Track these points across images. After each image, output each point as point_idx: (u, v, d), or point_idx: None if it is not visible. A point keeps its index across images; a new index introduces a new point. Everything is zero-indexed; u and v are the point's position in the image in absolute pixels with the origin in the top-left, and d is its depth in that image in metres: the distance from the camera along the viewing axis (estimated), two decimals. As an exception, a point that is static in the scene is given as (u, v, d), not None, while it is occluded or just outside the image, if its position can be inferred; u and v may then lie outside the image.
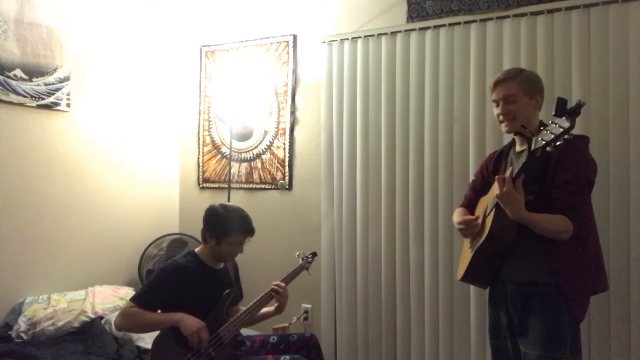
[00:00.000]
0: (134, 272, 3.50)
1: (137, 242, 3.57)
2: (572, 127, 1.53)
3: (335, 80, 3.23)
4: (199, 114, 3.91)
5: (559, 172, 1.81)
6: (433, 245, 2.91)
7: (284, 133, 3.54)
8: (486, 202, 2.01)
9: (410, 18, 3.06)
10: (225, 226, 2.27)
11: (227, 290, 2.32)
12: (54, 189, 3.20)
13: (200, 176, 3.91)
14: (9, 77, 2.96)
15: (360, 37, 3.14)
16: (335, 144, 3.25)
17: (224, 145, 3.78)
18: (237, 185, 3.69)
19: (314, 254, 2.70)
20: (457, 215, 2.15)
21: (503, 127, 1.97)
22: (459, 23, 2.86)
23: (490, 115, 2.73)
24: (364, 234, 3.15)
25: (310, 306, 3.42)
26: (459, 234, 2.09)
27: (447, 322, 2.88)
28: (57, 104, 3.20)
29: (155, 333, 2.20)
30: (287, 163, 3.53)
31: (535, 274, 1.85)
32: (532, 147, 1.63)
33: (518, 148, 2.00)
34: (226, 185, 3.61)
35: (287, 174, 3.53)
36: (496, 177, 1.80)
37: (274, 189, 3.58)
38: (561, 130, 1.53)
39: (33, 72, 3.08)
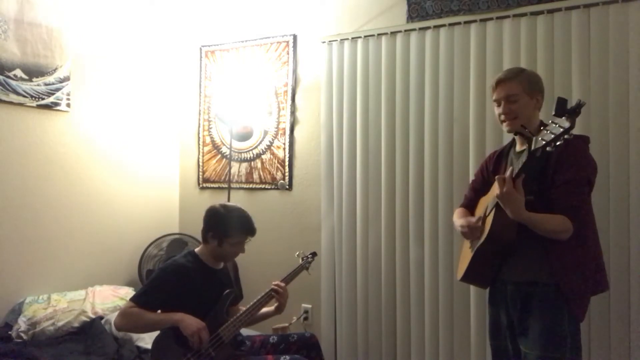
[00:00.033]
0: (134, 272, 3.50)
1: (137, 242, 3.57)
2: (572, 127, 1.53)
3: (335, 80, 3.24)
4: (199, 114, 3.91)
5: (559, 172, 1.81)
6: (433, 245, 2.91)
7: (284, 133, 3.54)
8: (486, 202, 2.01)
9: (410, 18, 3.06)
10: (228, 227, 2.27)
11: (227, 290, 2.32)
12: (54, 189, 3.20)
13: (200, 176, 3.91)
14: (9, 77, 2.96)
15: (360, 37, 3.14)
16: (335, 144, 3.25)
17: (224, 145, 3.78)
18: (237, 185, 3.69)
19: (314, 254, 2.70)
20: (458, 216, 2.15)
21: (504, 127, 1.97)
22: (459, 23, 2.86)
23: (490, 115, 2.73)
24: (364, 234, 3.15)
25: (310, 306, 3.42)
26: (459, 234, 2.09)
27: (447, 322, 2.88)
28: (57, 104, 3.20)
29: (155, 333, 2.20)
30: (287, 163, 3.53)
31: (535, 274, 1.85)
32: (532, 147, 1.63)
33: (518, 148, 2.00)
34: (226, 185, 3.61)
35: (287, 174, 3.53)
36: (496, 177, 1.81)
37: (274, 189, 3.58)
38: (561, 130, 1.53)
39: (33, 72, 3.08)
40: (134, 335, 2.78)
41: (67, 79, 3.24)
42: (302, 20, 3.48)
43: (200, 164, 3.91)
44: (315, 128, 3.43)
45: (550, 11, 2.64)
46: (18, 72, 3.00)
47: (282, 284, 2.40)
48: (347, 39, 3.19)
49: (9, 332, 2.81)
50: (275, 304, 2.42)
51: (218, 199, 3.43)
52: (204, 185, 3.89)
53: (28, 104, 3.06)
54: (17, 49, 3.00)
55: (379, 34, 3.09)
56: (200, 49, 3.88)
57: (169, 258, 2.63)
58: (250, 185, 3.67)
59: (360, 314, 3.15)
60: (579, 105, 1.59)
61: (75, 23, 3.31)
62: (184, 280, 2.20)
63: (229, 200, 3.47)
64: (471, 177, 2.54)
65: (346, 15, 3.31)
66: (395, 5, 3.13)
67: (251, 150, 3.67)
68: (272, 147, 3.59)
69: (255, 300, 2.34)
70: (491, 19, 2.78)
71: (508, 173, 1.77)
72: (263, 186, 3.63)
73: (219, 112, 3.64)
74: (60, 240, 3.23)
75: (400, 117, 3.03)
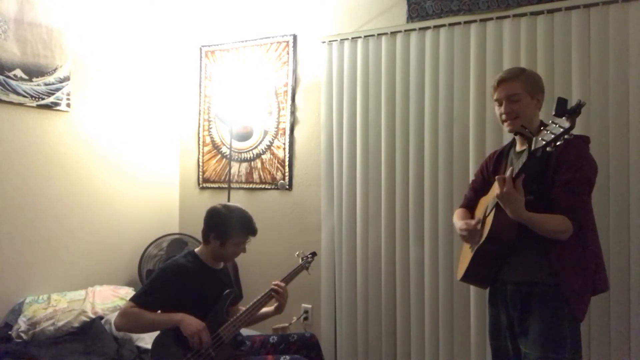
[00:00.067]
0: (134, 272, 3.50)
1: (137, 242, 3.57)
2: (572, 127, 1.53)
3: (335, 80, 3.23)
4: (199, 114, 3.91)
5: (559, 172, 1.81)
6: (433, 245, 2.91)
7: (284, 133, 3.54)
8: (486, 202, 2.01)
9: (410, 18, 3.06)
10: (230, 227, 2.27)
11: (227, 290, 2.32)
12: (54, 189, 3.20)
13: (200, 176, 3.91)
14: (9, 77, 2.96)
15: (360, 37, 3.14)
16: (335, 144, 3.25)
17: (224, 145, 3.78)
18: (237, 185, 3.69)
19: (314, 254, 2.70)
20: (458, 217, 2.15)
21: (505, 127, 1.97)
22: (459, 23, 2.86)
23: (490, 115, 2.73)
24: (364, 234, 3.15)
25: (310, 306, 3.42)
26: (459, 234, 2.09)
27: (447, 322, 2.88)
28: (57, 104, 3.19)
29: (155, 333, 2.20)
30: (287, 163, 3.53)
31: (535, 274, 1.85)
32: (533, 147, 1.63)
33: (518, 148, 2.00)
34: (226, 185, 3.61)
35: (287, 174, 3.53)
36: (496, 177, 1.81)
37: (274, 189, 3.58)
38: (561, 130, 1.53)
39: (33, 72, 3.08)
40: (134, 335, 2.78)
41: (67, 79, 3.24)
42: (302, 20, 3.48)
43: (200, 164, 3.91)
44: (315, 128, 3.42)
45: (550, 11, 2.64)
46: (18, 72, 3.00)
47: (282, 284, 2.40)
48: (347, 39, 3.19)
49: (9, 332, 2.82)
50: (275, 304, 2.42)
51: (218, 199, 3.43)
52: (204, 185, 3.89)
53: (28, 104, 3.06)
54: (17, 49, 3.00)
55: (379, 34, 3.09)
56: (200, 49, 3.88)
57: (169, 258, 2.63)
58: (250, 185, 3.67)
59: (360, 314, 3.15)
60: (579, 106, 1.58)
61: (75, 23, 3.31)
62: (184, 280, 2.20)
63: (229, 200, 3.47)
64: (471, 177, 2.54)
65: (346, 15, 3.31)
66: (395, 5, 3.13)
67: (251, 150, 3.67)
68: (272, 147, 3.59)
69: (255, 300, 2.34)
70: (491, 19, 2.78)
71: (508, 173, 1.77)
72: (263, 186, 3.63)
73: (219, 112, 3.64)
74: (60, 240, 3.23)
75: (400, 117, 3.03)
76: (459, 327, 2.86)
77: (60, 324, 2.87)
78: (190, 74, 3.95)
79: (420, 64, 2.96)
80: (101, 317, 2.99)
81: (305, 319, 3.42)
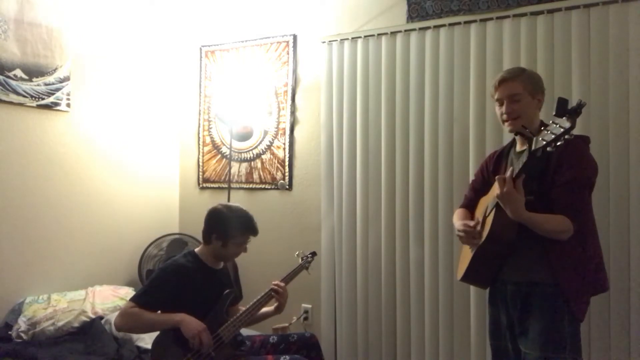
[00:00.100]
0: (134, 272, 3.50)
1: (137, 242, 3.56)
2: (573, 127, 1.53)
3: (335, 80, 3.23)
4: (199, 114, 3.91)
5: (560, 172, 1.81)
6: (433, 245, 2.91)
7: (284, 133, 3.54)
8: (486, 202, 2.01)
9: (410, 18, 3.06)
10: (232, 228, 2.27)
11: (227, 290, 2.31)
12: (54, 189, 3.20)
13: (200, 176, 3.91)
14: (9, 77, 2.96)
15: (360, 37, 3.14)
16: (335, 144, 3.25)
17: (224, 145, 3.78)
18: (237, 185, 3.69)
19: (314, 254, 2.70)
20: (457, 217, 2.15)
21: (506, 127, 1.97)
22: (459, 23, 2.86)
23: (490, 115, 2.73)
24: (364, 234, 3.15)
25: (310, 306, 3.42)
26: (459, 234, 2.09)
27: (447, 322, 2.88)
28: (57, 104, 3.19)
29: (156, 333, 2.20)
30: (287, 163, 3.53)
31: (535, 274, 1.85)
32: (533, 147, 1.63)
33: (518, 148, 2.00)
34: (226, 185, 3.61)
35: (287, 174, 3.53)
36: (496, 177, 1.81)
37: (274, 189, 3.58)
38: (562, 130, 1.53)
39: (33, 72, 3.08)
40: (134, 335, 2.78)
41: (67, 79, 3.24)
42: (302, 20, 3.48)
43: (200, 164, 3.90)
44: (315, 128, 3.42)
45: (550, 11, 2.64)
46: (18, 72, 3.00)
47: (282, 284, 2.40)
48: (347, 39, 3.18)
49: (9, 332, 2.82)
50: (275, 304, 2.42)
51: (218, 199, 3.42)
52: (204, 185, 3.89)
53: (28, 104, 3.05)
54: (17, 49, 3.00)
55: (379, 34, 3.09)
56: (200, 49, 3.88)
57: (169, 258, 2.63)
58: (250, 185, 3.67)
59: (360, 314, 3.15)
60: (580, 106, 1.58)
61: (75, 23, 3.31)
62: (184, 280, 2.20)
63: (228, 200, 3.47)
64: (471, 177, 2.54)
65: (346, 15, 3.31)
66: (395, 5, 3.13)
67: (251, 150, 3.67)
68: (272, 147, 3.59)
69: (255, 300, 2.34)
70: (491, 19, 2.78)
71: (508, 173, 1.77)
72: (263, 186, 3.63)
73: (219, 112, 3.64)
74: (60, 240, 3.23)
75: (400, 117, 3.03)
76: (459, 327, 2.86)
77: (60, 324, 2.87)
78: (190, 74, 3.95)
79: (420, 64, 2.96)
80: (101, 317, 2.99)
81: (305, 319, 3.42)
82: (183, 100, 3.98)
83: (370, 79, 3.12)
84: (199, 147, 3.91)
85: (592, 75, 2.54)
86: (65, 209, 3.26)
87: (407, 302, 3.02)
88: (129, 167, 3.65)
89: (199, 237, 2.39)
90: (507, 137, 2.41)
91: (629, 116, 2.48)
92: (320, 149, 3.34)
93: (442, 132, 2.90)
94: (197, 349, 2.08)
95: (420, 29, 2.97)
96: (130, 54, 3.66)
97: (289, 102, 3.50)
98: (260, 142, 3.63)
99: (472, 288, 2.75)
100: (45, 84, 3.13)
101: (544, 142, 1.57)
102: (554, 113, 1.62)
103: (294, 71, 3.50)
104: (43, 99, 3.12)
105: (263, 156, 3.62)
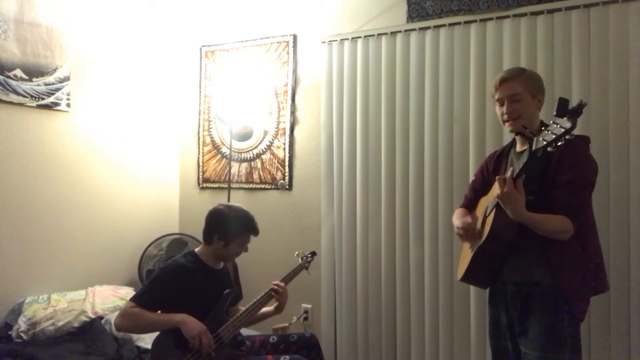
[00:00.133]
0: (134, 272, 3.50)
1: (137, 242, 3.56)
2: (573, 127, 1.53)
3: (335, 80, 3.23)
4: (199, 114, 3.91)
5: (560, 172, 1.81)
6: (433, 245, 2.91)
7: (284, 133, 3.54)
8: (486, 202, 2.01)
9: (410, 18, 3.06)
10: (234, 228, 2.27)
11: (227, 290, 2.32)
12: (54, 189, 3.20)
13: (200, 176, 3.91)
14: (9, 77, 2.96)
15: (360, 37, 3.14)
16: (335, 144, 3.25)
17: (224, 145, 3.78)
18: (237, 185, 3.68)
19: (314, 254, 2.70)
20: (457, 216, 2.15)
21: (507, 127, 1.97)
22: (459, 23, 2.86)
23: (490, 115, 2.73)
24: (364, 234, 3.15)
25: (310, 306, 3.42)
26: (459, 234, 2.09)
27: (447, 322, 2.88)
28: (57, 104, 3.19)
29: (156, 333, 2.20)
30: (287, 163, 3.53)
31: (535, 274, 1.85)
32: (533, 147, 1.63)
33: (519, 148, 2.00)
34: (226, 185, 3.61)
35: (287, 174, 3.53)
36: (497, 177, 1.81)
37: (274, 189, 3.58)
38: (562, 130, 1.52)
39: (33, 72, 3.08)
40: (134, 335, 2.78)
41: (67, 79, 3.24)
42: (302, 20, 3.48)
43: (200, 164, 3.90)
44: (315, 128, 3.42)
45: (550, 11, 2.64)
46: (18, 72, 3.00)
47: (282, 284, 2.40)
48: (347, 39, 3.18)
49: (9, 332, 2.81)
50: (275, 304, 2.43)
51: (218, 199, 3.42)
52: (204, 185, 3.89)
53: (28, 104, 3.05)
54: (17, 49, 3.00)
55: (379, 34, 3.09)
56: (200, 49, 3.88)
57: (169, 258, 2.63)
58: (250, 185, 3.67)
59: (360, 314, 3.15)
60: (581, 106, 1.58)
61: (75, 23, 3.31)
62: (184, 280, 2.20)
63: (228, 200, 3.47)
64: (471, 177, 2.54)
65: (346, 15, 3.31)
66: (395, 5, 3.13)
67: (251, 150, 3.67)
68: (272, 147, 3.59)
69: (255, 300, 2.34)
70: (491, 19, 2.78)
71: (509, 173, 1.77)
72: (263, 186, 3.63)
73: (219, 112, 3.64)
74: (60, 240, 3.23)
75: (400, 117, 3.03)
76: (459, 327, 2.86)
77: (60, 324, 2.87)
78: (190, 74, 3.95)
79: (420, 64, 2.96)
80: (101, 317, 2.99)
81: (305, 319, 3.42)
82: (183, 100, 3.98)
83: (370, 79, 3.12)
84: (199, 147, 3.91)
85: (592, 75, 2.54)
86: (65, 209, 3.25)
87: (407, 302, 3.02)
88: (129, 167, 3.65)
89: (199, 237, 2.39)
90: (507, 137, 2.41)
91: (629, 116, 2.48)
92: (320, 149, 3.34)
93: (442, 132, 2.90)
94: (197, 349, 2.08)
95: (420, 29, 2.97)
96: (130, 54, 3.66)
97: (289, 102, 3.50)
98: (260, 142, 3.63)
99: (472, 288, 2.75)
100: (45, 84, 3.13)
101: (545, 142, 1.57)
102: (554, 113, 1.62)
103: (294, 71, 3.50)
104: (43, 99, 3.12)
105: (263, 156, 3.62)
